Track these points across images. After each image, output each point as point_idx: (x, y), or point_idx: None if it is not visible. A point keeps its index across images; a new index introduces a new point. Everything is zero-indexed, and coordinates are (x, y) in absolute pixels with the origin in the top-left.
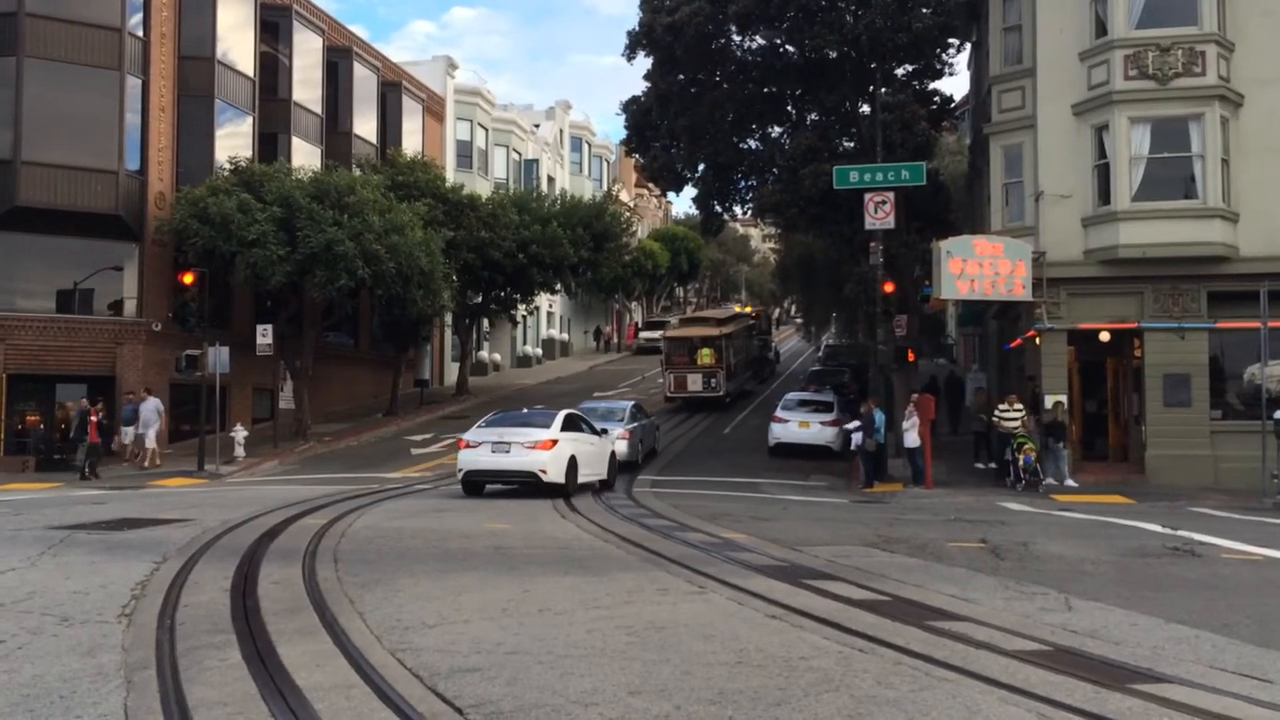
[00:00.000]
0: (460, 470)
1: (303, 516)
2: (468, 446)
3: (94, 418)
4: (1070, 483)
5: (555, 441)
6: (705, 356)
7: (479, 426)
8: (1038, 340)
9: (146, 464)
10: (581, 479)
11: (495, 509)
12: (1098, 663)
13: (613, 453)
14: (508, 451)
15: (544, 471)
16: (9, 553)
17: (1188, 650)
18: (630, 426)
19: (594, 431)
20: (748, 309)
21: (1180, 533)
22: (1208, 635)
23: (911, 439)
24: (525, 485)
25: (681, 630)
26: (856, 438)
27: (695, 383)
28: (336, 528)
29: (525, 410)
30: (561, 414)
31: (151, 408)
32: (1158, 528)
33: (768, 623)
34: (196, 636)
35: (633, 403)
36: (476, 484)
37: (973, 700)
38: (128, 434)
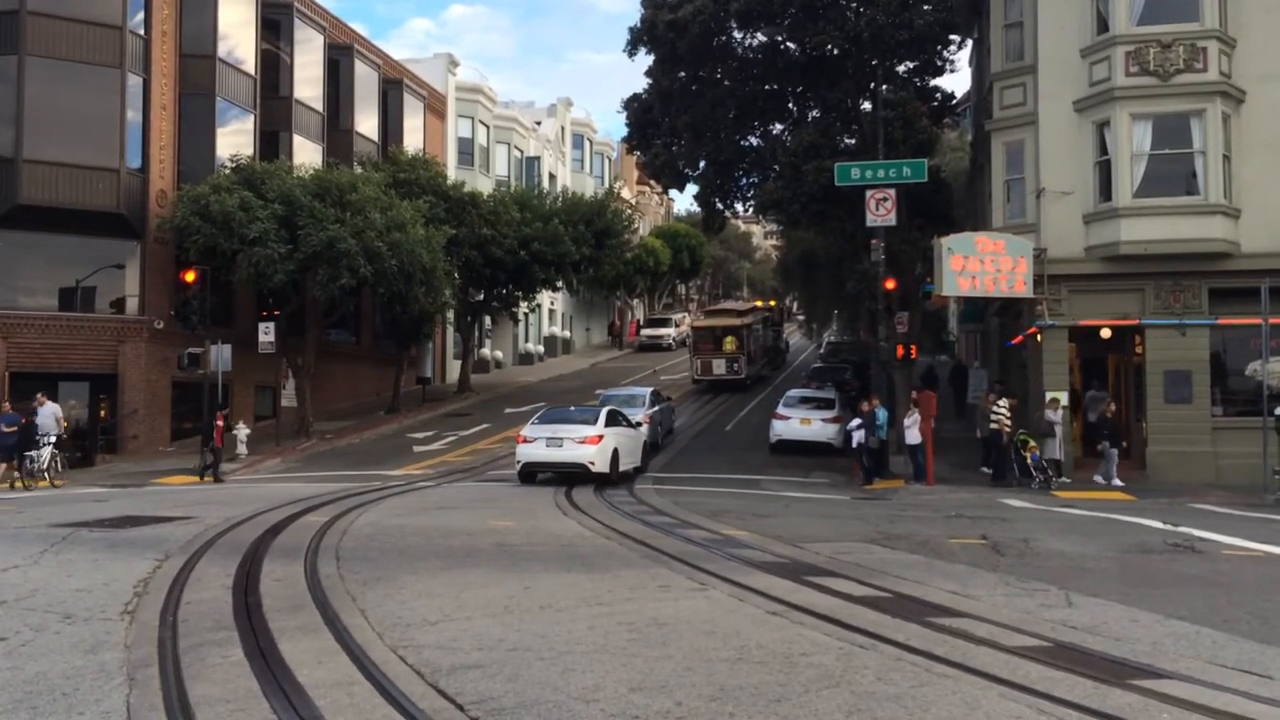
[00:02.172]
0: (519, 462)
1: (305, 514)
2: (525, 441)
3: (219, 421)
4: (1117, 482)
5: (601, 437)
6: (729, 344)
7: (533, 423)
8: (1039, 337)
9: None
10: (622, 467)
11: (498, 506)
12: (1098, 659)
13: (645, 441)
14: (560, 446)
15: (592, 464)
16: (12, 550)
17: (1188, 646)
18: (650, 411)
19: (630, 424)
20: (758, 303)
21: (1181, 529)
22: (1208, 631)
23: (913, 436)
24: (575, 475)
25: (683, 627)
26: (858, 435)
27: (720, 367)
28: (338, 525)
29: (572, 408)
30: (604, 411)
31: (48, 414)
32: (1159, 524)
33: (769, 619)
34: (199, 634)
35: (651, 389)
36: (532, 473)
37: (973, 696)
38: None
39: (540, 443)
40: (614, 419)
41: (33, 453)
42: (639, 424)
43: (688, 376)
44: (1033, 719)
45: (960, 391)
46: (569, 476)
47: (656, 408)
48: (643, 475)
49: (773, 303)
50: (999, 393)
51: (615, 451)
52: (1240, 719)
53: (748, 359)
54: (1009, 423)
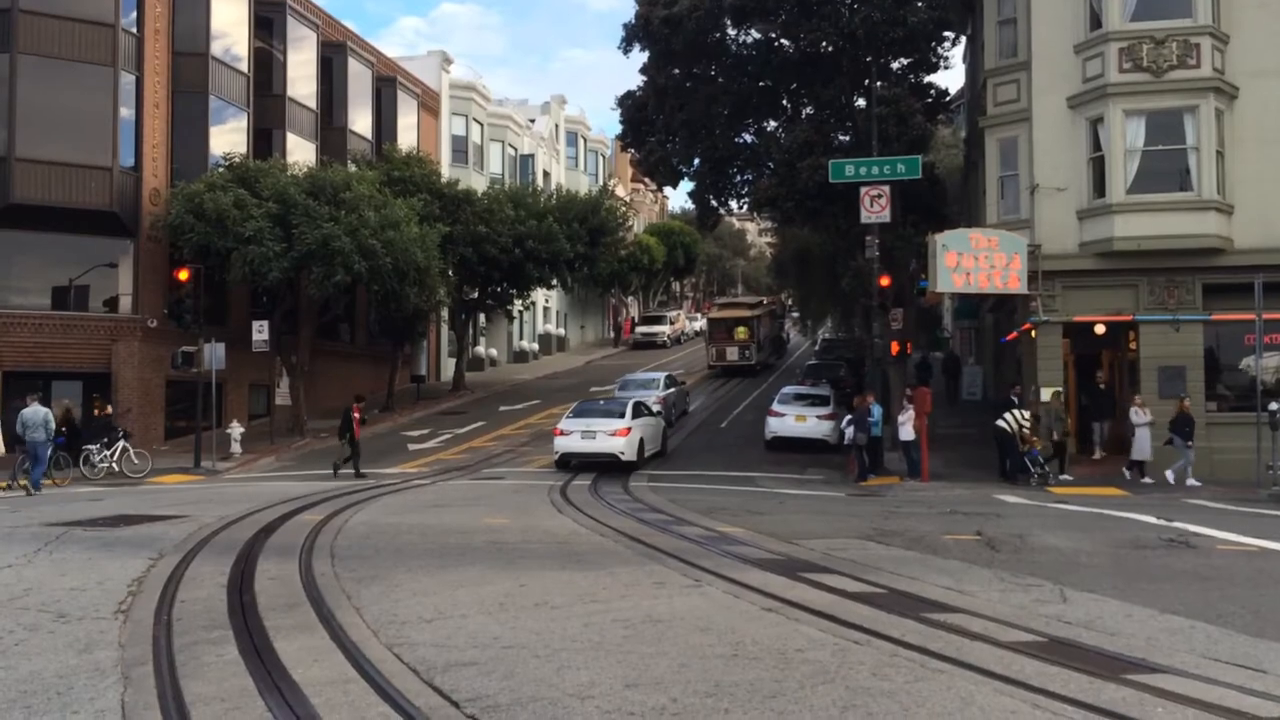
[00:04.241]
0: (557, 453)
1: (299, 512)
2: (562, 434)
3: (356, 414)
4: (1192, 482)
5: (630, 429)
6: (740, 333)
7: (568, 417)
8: (1033, 333)
9: None
10: (646, 454)
11: (493, 504)
12: (1092, 654)
13: (665, 427)
14: (594, 438)
15: (622, 454)
16: (6, 549)
17: (1182, 641)
18: (664, 393)
19: (652, 413)
20: (765, 298)
21: (1175, 524)
22: (1202, 626)
23: (907, 432)
24: (607, 463)
25: (678, 623)
26: (849, 432)
27: (733, 354)
28: (333, 523)
29: (602, 401)
30: (630, 404)
31: None
32: (1153, 519)
33: (764, 615)
34: (193, 632)
35: (666, 374)
36: (567, 462)
37: (967, 691)
38: None
39: (575, 435)
40: (639, 411)
41: (92, 446)
42: (658, 413)
43: (685, 372)
44: (1028, 714)
45: (954, 382)
46: (601, 465)
47: (671, 390)
48: (638, 472)
49: (776, 298)
50: (1023, 402)
51: (641, 441)
52: (1234, 713)
53: (757, 346)
54: (1027, 429)
